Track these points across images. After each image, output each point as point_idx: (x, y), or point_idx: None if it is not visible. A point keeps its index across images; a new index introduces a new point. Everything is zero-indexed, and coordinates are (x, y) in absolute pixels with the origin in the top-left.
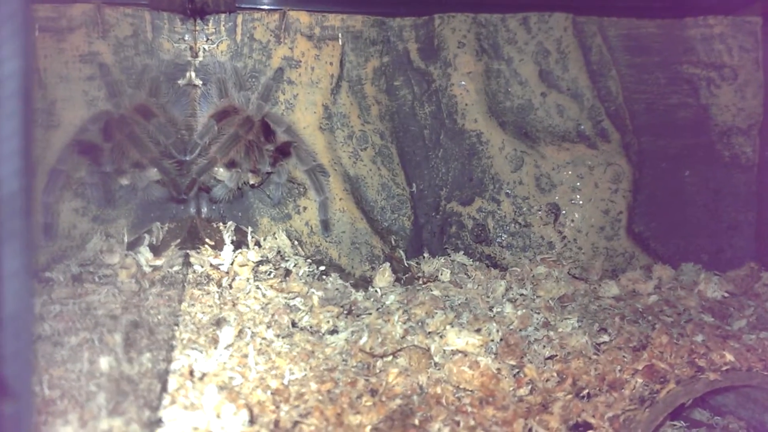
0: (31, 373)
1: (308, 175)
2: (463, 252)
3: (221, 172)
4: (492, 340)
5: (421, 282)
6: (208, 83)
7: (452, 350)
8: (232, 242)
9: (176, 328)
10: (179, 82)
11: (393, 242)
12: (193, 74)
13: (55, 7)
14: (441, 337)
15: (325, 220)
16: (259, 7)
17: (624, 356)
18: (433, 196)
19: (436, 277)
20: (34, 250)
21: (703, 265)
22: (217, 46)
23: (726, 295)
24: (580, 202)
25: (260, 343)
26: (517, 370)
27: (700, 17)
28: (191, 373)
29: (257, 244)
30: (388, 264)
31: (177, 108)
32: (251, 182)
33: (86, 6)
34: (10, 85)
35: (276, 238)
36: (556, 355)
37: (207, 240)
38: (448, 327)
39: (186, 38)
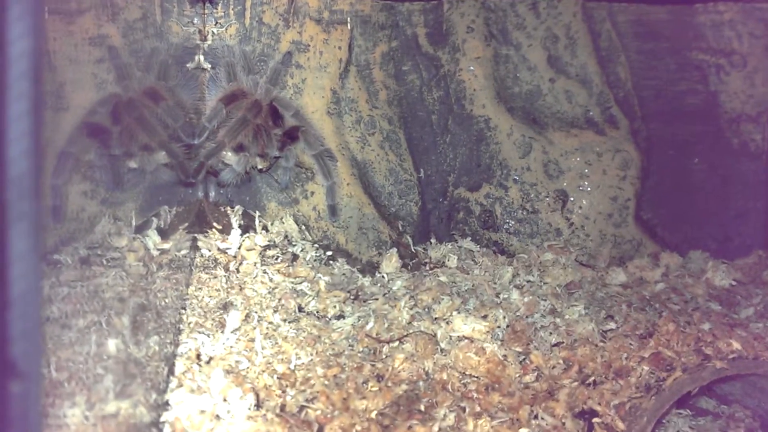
0: (40, 354)
1: (316, 159)
2: (470, 238)
3: (229, 156)
4: (498, 327)
5: (428, 268)
6: (216, 67)
7: (458, 336)
8: (240, 226)
9: (183, 311)
10: (188, 65)
11: (400, 228)
12: (201, 57)
13: None
14: (447, 323)
15: (332, 205)
16: None
17: (630, 344)
18: (440, 181)
19: (443, 263)
20: (42, 231)
21: (711, 253)
22: (226, 29)
23: (734, 283)
24: (588, 189)
25: (267, 328)
26: (523, 357)
27: (710, 3)
28: (198, 356)
29: (265, 228)
30: (395, 250)
31: (186, 91)
32: (259, 166)
33: None
34: (19, 65)
35: (283, 223)
36: (563, 342)
37: (215, 224)
38: (454, 313)
39: (195, 21)
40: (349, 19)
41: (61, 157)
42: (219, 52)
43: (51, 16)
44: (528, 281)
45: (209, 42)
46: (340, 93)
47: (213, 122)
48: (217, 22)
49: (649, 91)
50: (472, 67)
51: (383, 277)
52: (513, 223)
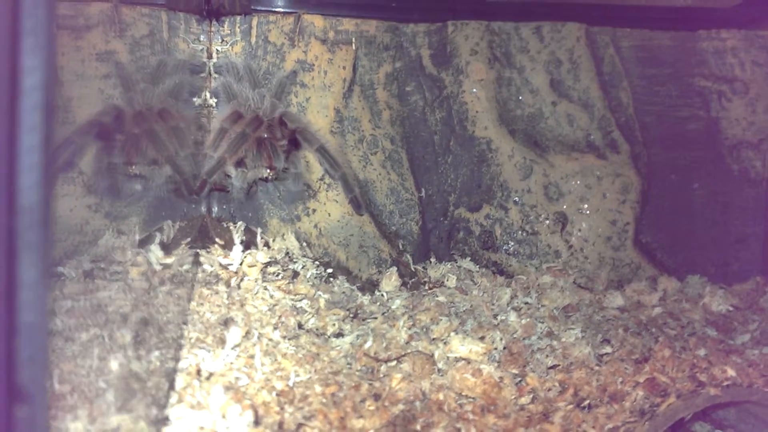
0: (46, 379)
1: (319, 154)
2: (469, 258)
3: (232, 170)
4: (495, 348)
5: (427, 287)
6: (219, 94)
7: (456, 357)
8: (242, 242)
9: (185, 326)
10: (195, 100)
11: (400, 246)
12: (208, 94)
13: (73, 4)
14: (445, 343)
15: (353, 197)
16: (274, 9)
17: (626, 368)
18: (441, 201)
19: (442, 282)
20: (50, 261)
21: (709, 278)
22: (232, 47)
23: (731, 309)
24: (588, 212)
25: (267, 344)
26: (519, 379)
27: (713, 30)
28: (198, 372)
29: (266, 245)
30: (395, 268)
31: (192, 108)
32: (264, 176)
33: (103, 5)
34: (32, 97)
35: (285, 240)
36: (559, 365)
37: (217, 239)
38: (452, 334)
39: (201, 39)
40: (353, 39)
41: (65, 142)
42: (223, 69)
43: (59, 32)
44: (526, 303)
45: (215, 60)
46: (344, 112)
47: (216, 150)
48: (223, 40)
49: (650, 117)
50: (474, 89)
51: (383, 295)
52: (512, 244)
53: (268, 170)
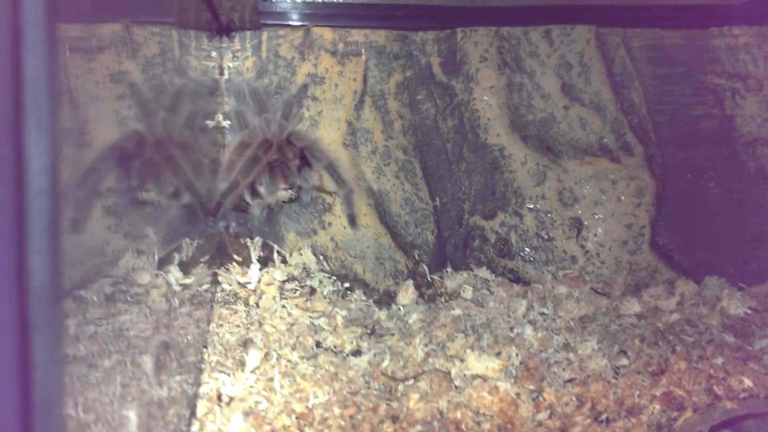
0: None
1: (327, 171)
2: (485, 266)
3: (249, 199)
4: (512, 364)
5: (443, 299)
6: (231, 118)
7: (472, 375)
8: (259, 259)
9: (205, 349)
10: (207, 123)
11: (416, 256)
12: (221, 117)
13: (85, 26)
14: (461, 360)
15: (351, 215)
16: (283, 23)
17: (643, 381)
18: (456, 209)
19: (459, 294)
20: (63, 339)
21: (727, 278)
22: (243, 62)
23: (749, 311)
24: (603, 217)
25: (285, 366)
26: (536, 394)
27: (725, 27)
28: (219, 397)
29: (283, 260)
30: (411, 281)
31: (207, 138)
32: (285, 199)
33: (115, 26)
34: (38, 182)
35: (302, 254)
36: (576, 378)
37: (235, 256)
38: (468, 351)
39: (212, 55)
40: (363, 50)
41: (89, 171)
42: (234, 92)
43: (72, 54)
44: (542, 314)
45: (226, 76)
46: (356, 124)
47: (229, 186)
48: (234, 56)
49: (663, 117)
50: (486, 97)
51: (399, 309)
52: (528, 250)
53: (287, 189)
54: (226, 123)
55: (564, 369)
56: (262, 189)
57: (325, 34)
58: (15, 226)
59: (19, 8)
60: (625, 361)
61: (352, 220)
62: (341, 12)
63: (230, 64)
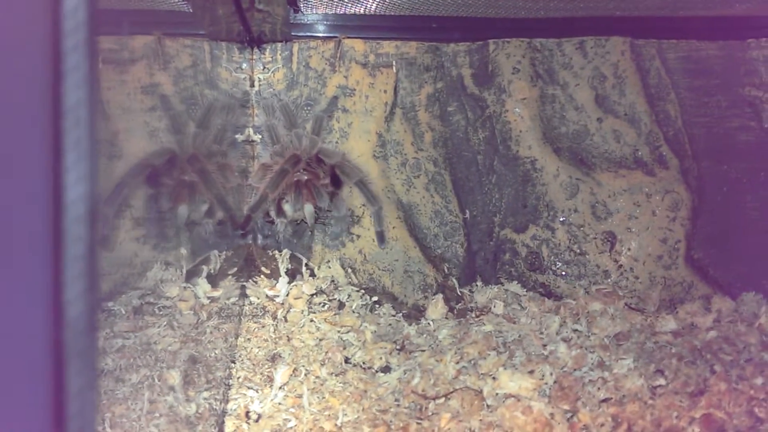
0: None
1: (358, 187)
2: (516, 281)
3: (275, 218)
4: (545, 383)
5: (474, 315)
6: (262, 132)
7: (505, 394)
8: (287, 272)
9: (233, 364)
10: (237, 137)
11: (446, 270)
12: (251, 131)
13: (118, 39)
14: (494, 379)
15: (380, 231)
16: (314, 35)
17: (681, 402)
18: (486, 222)
19: (489, 309)
20: (97, 370)
21: (764, 294)
22: (274, 74)
23: None
24: (637, 231)
25: (314, 382)
26: (570, 415)
27: (762, 39)
28: (247, 414)
29: (312, 273)
30: (441, 295)
31: (236, 151)
32: (309, 221)
33: (147, 38)
34: (75, 209)
35: (330, 267)
36: (611, 398)
37: (263, 268)
38: (500, 369)
39: (243, 67)
40: (394, 62)
41: (118, 187)
42: (265, 107)
43: (105, 66)
44: (575, 331)
45: (257, 88)
46: (386, 136)
47: (258, 212)
48: (265, 67)
49: (700, 129)
50: (518, 109)
51: (429, 324)
52: (560, 264)
53: (313, 209)
54: (256, 137)
55: (599, 388)
56: (287, 207)
57: (356, 45)
58: (51, 254)
59: (59, 26)
60: (662, 381)
61: (381, 237)
62: (372, 24)
63: (261, 76)
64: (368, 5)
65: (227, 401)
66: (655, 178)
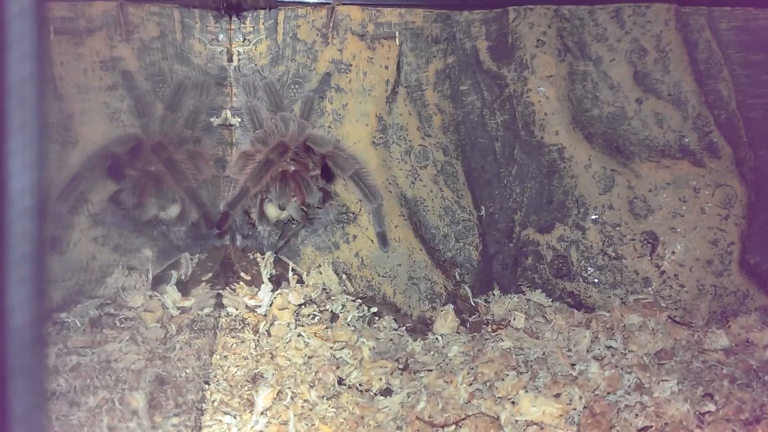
0: None
1: (353, 181)
2: (540, 289)
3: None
4: (574, 409)
5: (490, 329)
6: (242, 115)
7: (526, 421)
8: (271, 278)
9: (207, 386)
10: (213, 120)
11: (457, 276)
12: (228, 113)
13: (73, 5)
14: (513, 403)
15: (381, 232)
16: (303, 1)
17: (734, 431)
18: (505, 221)
19: (508, 322)
20: (46, 390)
21: None
22: (255, 47)
23: None
24: (683, 231)
25: (302, 407)
26: None
27: None
28: None
29: (299, 280)
30: (451, 306)
31: (212, 137)
32: (296, 219)
33: (107, 4)
34: (21, 201)
35: (321, 273)
36: (651, 426)
37: (242, 274)
38: (521, 392)
39: (220, 38)
40: (397, 33)
41: (73, 180)
42: (243, 86)
43: (57, 37)
44: (609, 348)
45: (235, 63)
46: (387, 119)
47: (237, 211)
48: (245, 39)
49: (757, 112)
50: (542, 87)
51: (437, 339)
52: (592, 270)
53: (301, 208)
54: (235, 120)
55: (637, 415)
56: (270, 209)
57: (352, 13)
58: None
59: None
60: (711, 407)
61: (383, 239)
62: None
63: (240, 49)
64: None
65: (200, 429)
66: (704, 169)
